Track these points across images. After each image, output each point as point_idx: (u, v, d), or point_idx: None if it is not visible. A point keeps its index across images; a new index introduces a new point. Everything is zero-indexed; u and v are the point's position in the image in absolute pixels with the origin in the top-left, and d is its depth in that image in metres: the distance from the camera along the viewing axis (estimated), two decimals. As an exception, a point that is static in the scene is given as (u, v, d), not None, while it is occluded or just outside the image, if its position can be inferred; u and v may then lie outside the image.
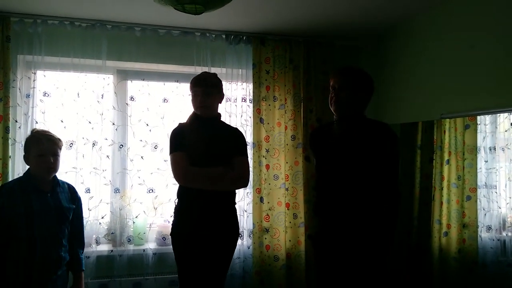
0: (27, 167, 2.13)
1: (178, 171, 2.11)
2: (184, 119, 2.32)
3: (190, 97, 2.26)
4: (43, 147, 2.05)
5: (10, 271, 1.97)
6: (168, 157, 2.26)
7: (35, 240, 1.98)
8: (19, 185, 2.07)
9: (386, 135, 1.98)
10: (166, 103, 3.06)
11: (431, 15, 2.69)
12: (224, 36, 3.06)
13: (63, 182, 2.23)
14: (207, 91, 2.19)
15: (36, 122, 2.78)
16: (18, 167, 2.72)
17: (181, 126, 2.25)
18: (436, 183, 2.69)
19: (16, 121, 2.74)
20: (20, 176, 2.22)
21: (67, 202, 2.15)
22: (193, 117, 2.25)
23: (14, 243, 1.97)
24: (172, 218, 2.25)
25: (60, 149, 2.14)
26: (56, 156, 2.10)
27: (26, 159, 2.11)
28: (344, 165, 2.00)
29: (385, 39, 3.20)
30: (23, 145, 2.37)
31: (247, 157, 2.28)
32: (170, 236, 2.22)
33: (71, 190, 2.24)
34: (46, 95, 2.85)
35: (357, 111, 2.04)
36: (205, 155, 2.13)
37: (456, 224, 2.59)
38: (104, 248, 2.88)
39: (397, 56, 3.07)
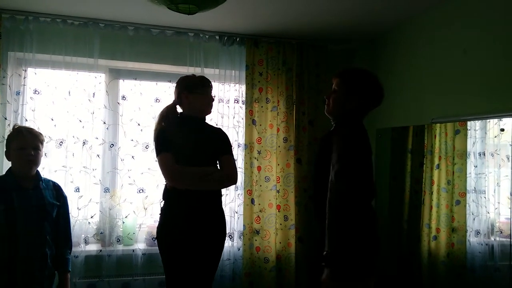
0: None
1: (168, 171, 2.10)
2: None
3: (191, 97, 2.18)
4: (24, 140, 2.05)
5: None
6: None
7: (17, 238, 1.97)
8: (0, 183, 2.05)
9: (339, 136, 1.81)
10: (158, 103, 3.04)
11: (423, 20, 2.71)
12: (217, 37, 3.06)
13: (48, 180, 2.21)
14: (211, 92, 2.24)
15: (26, 120, 2.75)
16: (7, 164, 2.67)
17: (166, 126, 2.18)
18: (426, 187, 2.71)
19: (6, 119, 2.72)
20: (2, 174, 2.19)
21: (51, 199, 2.13)
22: (180, 117, 2.22)
23: None
24: (158, 220, 2.22)
25: (42, 144, 2.12)
26: (37, 150, 2.08)
27: (7, 154, 2.10)
28: (317, 170, 1.98)
29: (378, 43, 3.22)
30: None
31: (233, 156, 2.30)
32: (156, 239, 2.21)
33: (56, 188, 2.21)
34: (37, 92, 2.82)
35: (348, 116, 1.89)
36: (192, 155, 2.13)
37: (445, 228, 2.61)
38: (93, 248, 2.86)
39: (390, 60, 3.09)
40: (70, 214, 2.30)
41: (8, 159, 2.11)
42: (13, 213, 1.98)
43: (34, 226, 2.03)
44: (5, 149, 2.12)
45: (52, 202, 2.12)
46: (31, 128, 2.18)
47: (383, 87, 1.95)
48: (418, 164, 2.79)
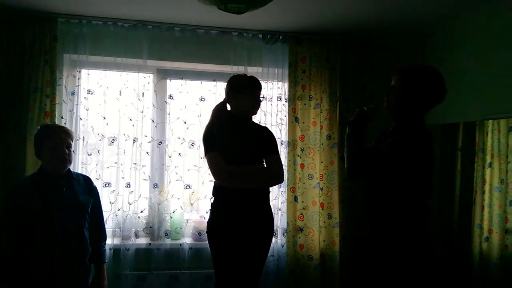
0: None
1: (216, 171, 2.13)
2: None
3: (238, 96, 2.21)
4: (59, 139, 2.03)
5: (33, 268, 1.96)
6: (203, 155, 2.29)
7: (55, 236, 1.98)
8: (32, 183, 2.04)
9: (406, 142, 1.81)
10: (203, 101, 3.11)
11: (475, 15, 2.61)
12: (260, 36, 3.08)
13: (78, 174, 2.21)
14: (259, 93, 2.26)
15: (80, 119, 2.90)
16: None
17: (214, 125, 2.21)
18: (478, 186, 2.61)
19: (62, 118, 2.87)
20: (32, 173, 2.16)
21: (84, 194, 2.13)
22: (228, 117, 2.25)
23: (35, 241, 1.97)
24: (208, 215, 2.27)
25: (73, 141, 2.11)
26: (70, 148, 2.07)
27: (38, 154, 2.05)
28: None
29: (425, 38, 3.12)
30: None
31: (279, 154, 2.31)
32: (206, 234, 2.25)
33: (87, 181, 2.21)
34: (90, 92, 2.96)
35: (410, 114, 1.87)
36: (239, 154, 2.15)
37: (498, 229, 2.51)
38: (143, 241, 2.97)
39: (437, 56, 2.99)
40: (102, 206, 2.30)
41: (39, 158, 2.06)
42: (51, 214, 1.98)
43: (72, 224, 2.04)
44: (34, 149, 2.07)
45: (85, 198, 2.12)
46: (63, 126, 2.15)
47: (445, 82, 1.85)
48: (469, 162, 2.69)
